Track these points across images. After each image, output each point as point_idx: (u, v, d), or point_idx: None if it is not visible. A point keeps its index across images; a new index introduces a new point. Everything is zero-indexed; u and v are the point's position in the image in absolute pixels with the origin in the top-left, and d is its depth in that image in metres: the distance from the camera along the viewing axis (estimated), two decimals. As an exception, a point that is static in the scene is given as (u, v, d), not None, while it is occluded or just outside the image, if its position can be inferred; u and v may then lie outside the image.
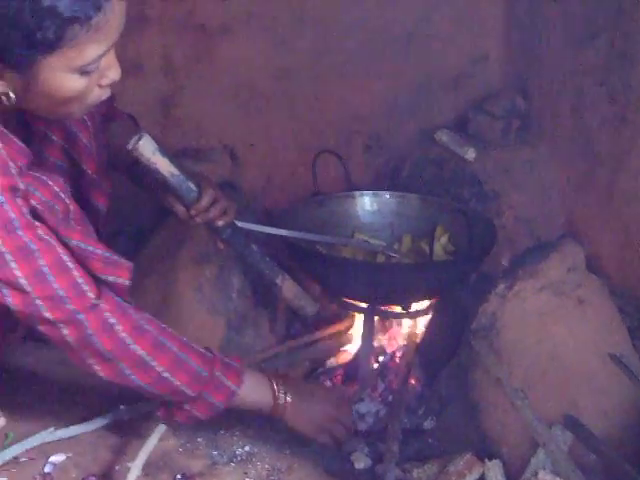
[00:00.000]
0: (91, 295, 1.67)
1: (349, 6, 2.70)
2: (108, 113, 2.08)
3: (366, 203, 2.48)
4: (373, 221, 2.48)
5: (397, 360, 2.24)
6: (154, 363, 1.74)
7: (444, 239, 2.36)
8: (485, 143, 2.72)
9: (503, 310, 1.98)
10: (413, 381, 2.20)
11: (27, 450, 1.98)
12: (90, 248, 1.72)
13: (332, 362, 2.30)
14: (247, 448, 2.03)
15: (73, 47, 1.50)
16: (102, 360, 1.72)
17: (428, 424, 2.09)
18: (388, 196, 2.49)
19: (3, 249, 1.58)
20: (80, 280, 1.66)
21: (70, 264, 1.66)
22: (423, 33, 2.79)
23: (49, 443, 2.01)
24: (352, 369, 2.24)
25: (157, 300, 2.30)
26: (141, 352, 1.72)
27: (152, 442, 1.89)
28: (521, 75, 2.82)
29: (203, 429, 2.04)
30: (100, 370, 1.74)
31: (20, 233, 1.59)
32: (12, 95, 1.57)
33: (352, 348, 2.33)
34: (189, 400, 1.82)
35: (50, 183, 1.73)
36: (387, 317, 2.29)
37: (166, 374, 1.75)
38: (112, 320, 1.69)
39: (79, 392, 2.17)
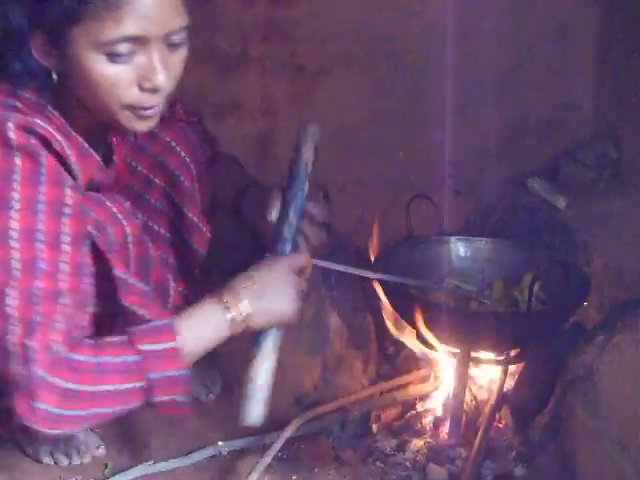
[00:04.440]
0: (57, 338, 1.57)
1: (446, 52, 2.74)
2: (214, 156, 2.14)
3: (459, 248, 2.50)
4: (465, 266, 2.49)
5: (487, 406, 2.25)
6: (77, 386, 1.58)
7: (536, 287, 2.36)
8: (576, 191, 2.74)
9: (600, 362, 1.98)
10: (502, 427, 2.22)
11: (126, 482, 2.03)
12: (130, 280, 1.72)
13: (423, 405, 2.32)
14: (341, 486, 2.05)
15: (94, 20, 1.51)
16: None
17: (519, 471, 2.10)
18: (481, 242, 2.51)
19: (14, 254, 1.55)
20: (59, 317, 1.57)
21: (65, 294, 1.58)
22: (516, 81, 2.82)
23: (147, 475, 2.04)
24: (443, 413, 2.26)
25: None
26: (64, 384, 1.56)
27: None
28: (612, 124, 2.83)
29: (298, 467, 2.07)
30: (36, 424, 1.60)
31: (38, 246, 1.56)
32: (54, 75, 1.60)
33: (443, 392, 2.34)
34: (149, 392, 1.63)
35: (108, 204, 1.75)
36: (478, 363, 2.30)
37: (97, 388, 1.60)
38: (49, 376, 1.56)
39: (178, 425, 2.22)
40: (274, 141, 2.75)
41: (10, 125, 1.56)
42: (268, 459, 2.00)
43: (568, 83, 2.89)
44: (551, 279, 2.29)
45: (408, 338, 2.46)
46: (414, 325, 2.34)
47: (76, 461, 2.05)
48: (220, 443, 2.12)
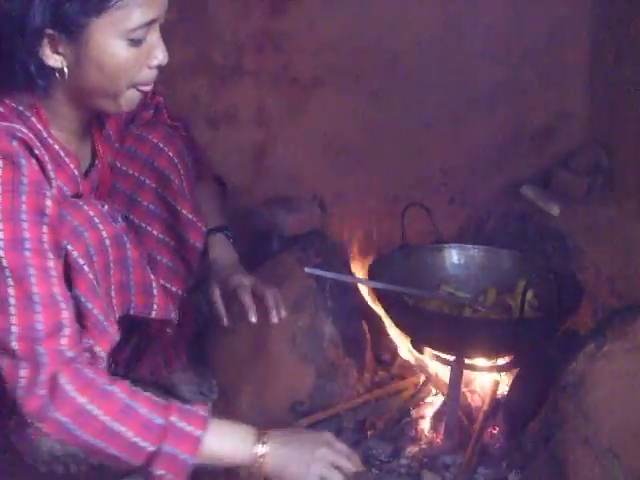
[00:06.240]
0: (63, 342, 1.62)
1: (439, 62, 2.77)
2: (199, 171, 2.17)
3: (453, 256, 2.52)
4: (459, 273, 2.51)
5: (481, 413, 2.27)
6: (97, 411, 1.61)
7: (529, 295, 2.38)
8: (569, 199, 2.76)
9: (592, 369, 2.00)
10: (496, 434, 2.23)
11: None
12: (89, 305, 1.74)
13: (418, 412, 2.34)
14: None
15: (120, 9, 1.60)
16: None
17: (512, 477, 2.11)
18: (475, 249, 2.53)
19: (4, 263, 1.59)
20: (64, 322, 1.63)
21: (63, 304, 1.64)
22: (510, 90, 2.84)
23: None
24: (438, 420, 2.28)
25: (249, 347, 2.37)
26: (82, 399, 1.61)
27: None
28: (605, 132, 2.85)
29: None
30: (44, 426, 1.63)
31: (27, 254, 1.59)
32: (66, 70, 1.65)
33: (437, 399, 2.36)
34: (153, 459, 1.63)
35: (85, 208, 1.78)
36: (472, 369, 2.32)
37: (113, 424, 1.61)
38: (63, 379, 1.61)
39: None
40: (268, 152, 2.76)
41: None
42: (264, 466, 2.01)
43: (561, 92, 2.90)
44: (544, 286, 2.30)
45: (403, 345, 2.49)
46: (408, 333, 2.37)
47: (73, 469, 2.07)
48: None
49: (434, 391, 2.38)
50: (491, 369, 2.30)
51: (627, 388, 1.98)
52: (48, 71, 1.65)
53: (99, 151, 1.92)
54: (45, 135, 1.72)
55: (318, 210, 2.70)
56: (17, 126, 1.64)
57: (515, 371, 2.29)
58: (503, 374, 2.33)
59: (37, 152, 1.66)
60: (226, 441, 1.68)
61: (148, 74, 1.72)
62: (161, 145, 2.06)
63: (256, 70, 2.70)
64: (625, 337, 2.00)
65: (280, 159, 2.78)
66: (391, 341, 2.54)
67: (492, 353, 2.27)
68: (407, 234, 2.46)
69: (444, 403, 2.29)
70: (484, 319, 2.33)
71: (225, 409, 2.34)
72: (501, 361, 2.30)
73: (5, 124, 1.63)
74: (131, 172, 2.04)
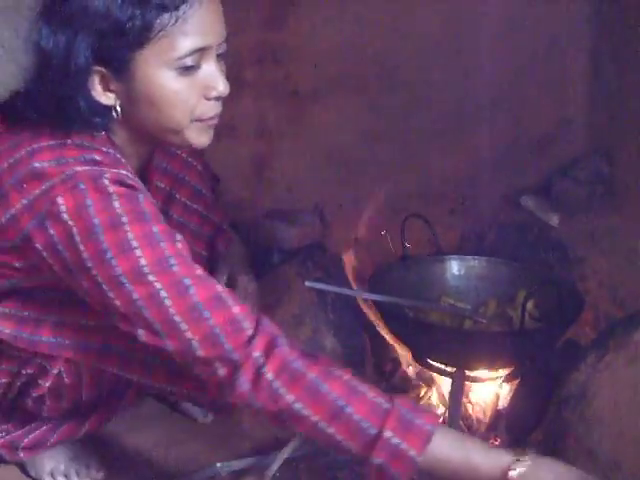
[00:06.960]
0: (248, 326, 1.58)
1: (438, 71, 2.77)
2: None
3: (453, 267, 2.51)
4: (459, 284, 2.50)
5: (482, 424, 2.27)
6: (306, 412, 1.55)
7: (530, 305, 2.37)
8: (569, 208, 2.76)
9: (594, 380, 2.00)
10: (498, 444, 2.23)
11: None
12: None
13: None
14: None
15: (164, 38, 1.57)
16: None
17: (515, 489, 2.11)
18: (475, 260, 2.52)
19: (158, 286, 1.56)
20: (237, 316, 1.58)
21: (229, 300, 1.59)
22: (509, 98, 2.84)
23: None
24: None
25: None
26: (289, 398, 1.55)
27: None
28: (605, 141, 2.85)
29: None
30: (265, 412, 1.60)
31: (175, 269, 1.56)
32: (118, 107, 1.63)
33: (439, 411, 2.36)
34: (363, 460, 1.57)
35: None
36: (473, 381, 2.32)
37: (322, 424, 1.55)
38: (261, 360, 1.56)
39: (173, 447, 2.23)
40: (269, 164, 2.77)
41: (106, 181, 1.58)
42: (266, 480, 2.01)
43: (561, 100, 2.91)
44: (545, 297, 2.29)
45: (404, 357, 2.49)
46: (408, 345, 2.37)
47: None
48: (218, 464, 2.12)
49: (435, 403, 2.37)
50: (492, 380, 2.30)
51: (630, 398, 1.97)
52: (103, 109, 1.63)
53: (149, 175, 1.91)
54: (132, 175, 1.69)
55: (318, 222, 2.69)
56: (123, 172, 1.62)
57: (516, 382, 2.29)
58: (504, 385, 2.32)
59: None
60: (456, 461, 1.56)
61: (207, 106, 1.66)
62: (190, 159, 2.08)
63: (256, 82, 2.71)
64: (627, 347, 2.00)
65: (280, 171, 2.78)
66: (392, 353, 2.53)
67: (493, 364, 2.26)
68: (407, 245, 2.46)
69: (445, 415, 2.28)
70: (485, 331, 2.32)
71: (227, 422, 2.34)
72: (502, 372, 2.30)
73: (113, 171, 1.60)
74: (163, 186, 2.05)
